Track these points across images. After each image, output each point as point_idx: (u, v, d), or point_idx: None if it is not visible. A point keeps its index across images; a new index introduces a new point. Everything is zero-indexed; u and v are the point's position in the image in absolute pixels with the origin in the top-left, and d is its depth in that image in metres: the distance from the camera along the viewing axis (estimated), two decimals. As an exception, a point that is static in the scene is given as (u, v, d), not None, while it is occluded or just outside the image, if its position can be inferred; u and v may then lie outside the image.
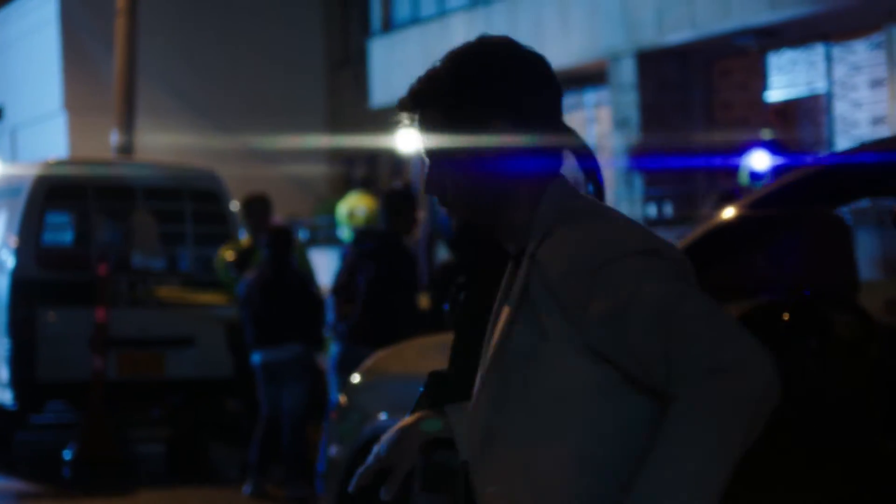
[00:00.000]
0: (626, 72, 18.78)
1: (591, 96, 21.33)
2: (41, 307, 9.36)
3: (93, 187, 9.69)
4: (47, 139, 26.25)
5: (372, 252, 7.42)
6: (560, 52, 19.70)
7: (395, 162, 25.08)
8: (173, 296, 9.71)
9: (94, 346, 9.35)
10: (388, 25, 24.47)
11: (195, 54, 26.49)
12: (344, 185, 27.32)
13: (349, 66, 27.69)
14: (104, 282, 9.36)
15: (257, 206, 9.09)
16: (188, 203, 9.92)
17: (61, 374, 9.41)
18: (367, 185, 14.87)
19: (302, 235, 21.32)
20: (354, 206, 14.30)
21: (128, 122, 14.46)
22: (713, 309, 2.00)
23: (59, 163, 9.91)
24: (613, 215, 2.16)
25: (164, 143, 21.00)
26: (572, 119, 19.73)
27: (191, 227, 9.91)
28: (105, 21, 24.89)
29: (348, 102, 27.10)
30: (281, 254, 8.23)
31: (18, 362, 9.27)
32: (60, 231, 10.36)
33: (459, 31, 22.14)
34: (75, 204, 9.92)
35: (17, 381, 9.30)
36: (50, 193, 9.56)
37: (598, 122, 21.28)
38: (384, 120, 25.16)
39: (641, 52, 18.49)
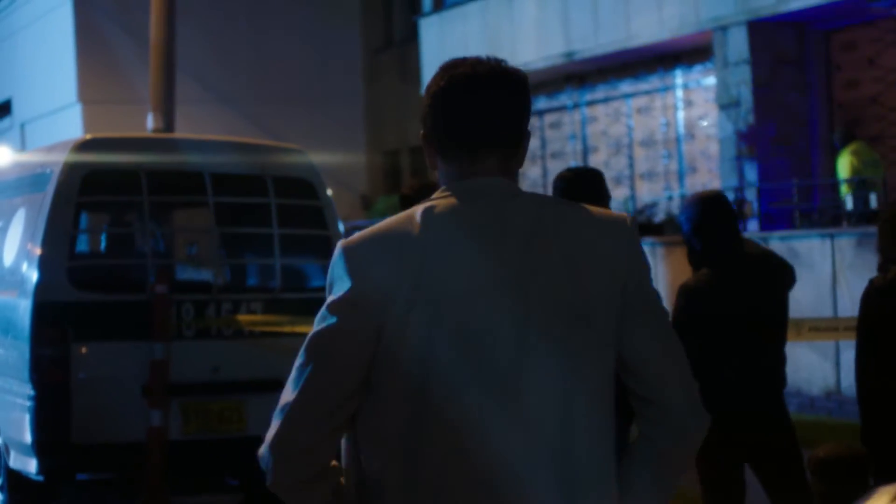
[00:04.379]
0: (736, 45, 16.15)
1: (680, 76, 18.69)
2: (76, 341, 6.77)
3: (145, 175, 7.04)
4: (61, 133, 23.78)
5: None
6: (652, 25, 17.13)
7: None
8: (256, 323, 7.09)
9: (151, 394, 6.78)
10: (442, 2, 21.91)
11: (225, 42, 24.45)
12: (385, 180, 24.98)
13: (391, 50, 25.27)
14: (163, 306, 6.77)
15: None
16: (273, 194, 7.28)
17: (105, 433, 6.81)
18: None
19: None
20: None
21: (167, 103, 11.91)
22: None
23: (98, 141, 7.18)
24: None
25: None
26: (656, 102, 17.13)
27: (277, 227, 7.27)
28: (122, 2, 23.19)
29: (390, 89, 24.64)
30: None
31: (46, 418, 6.69)
32: (101, 237, 7.68)
33: (529, 4, 19.54)
34: (121, 198, 7.27)
35: (45, 445, 6.71)
36: (86, 184, 6.93)
37: (689, 105, 18.64)
38: None
39: (754, 21, 15.89)
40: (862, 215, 11.82)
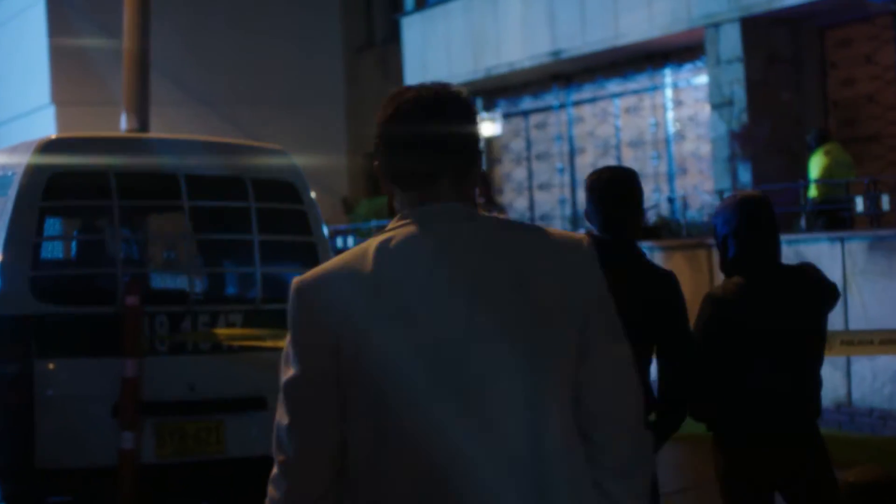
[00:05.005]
0: (729, 42, 15.71)
1: (670, 75, 18.27)
2: (40, 358, 6.24)
3: (115, 177, 6.51)
4: (34, 136, 23.21)
5: None
6: (641, 22, 16.71)
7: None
8: (235, 337, 6.58)
9: (122, 414, 6.27)
10: (424, 0, 21.46)
11: (202, 42, 24.02)
12: (366, 183, 24.52)
13: (372, 50, 24.82)
14: (134, 318, 6.26)
15: None
16: (253, 198, 6.77)
17: (72, 457, 6.28)
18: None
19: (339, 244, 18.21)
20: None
21: (141, 103, 11.41)
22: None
23: (63, 142, 6.65)
24: None
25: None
26: (645, 102, 16.73)
27: (257, 233, 6.75)
28: (96, 2, 22.66)
29: (371, 90, 24.18)
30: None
31: (7, 442, 6.18)
32: (67, 244, 7.15)
33: (514, 2, 19.09)
34: (89, 203, 6.75)
35: (7, 470, 6.21)
36: (50, 188, 6.40)
37: (679, 105, 18.21)
38: None
39: (747, 18, 15.48)
40: (875, 217, 11.40)
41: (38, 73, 23.93)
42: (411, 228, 2.37)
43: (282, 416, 2.36)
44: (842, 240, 9.81)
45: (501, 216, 10.50)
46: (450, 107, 2.42)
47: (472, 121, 2.46)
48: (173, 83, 22.68)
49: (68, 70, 23.23)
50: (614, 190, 4.36)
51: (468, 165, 2.44)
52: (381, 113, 2.44)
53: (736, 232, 4.45)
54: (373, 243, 2.37)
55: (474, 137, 2.46)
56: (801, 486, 4.51)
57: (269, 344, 6.40)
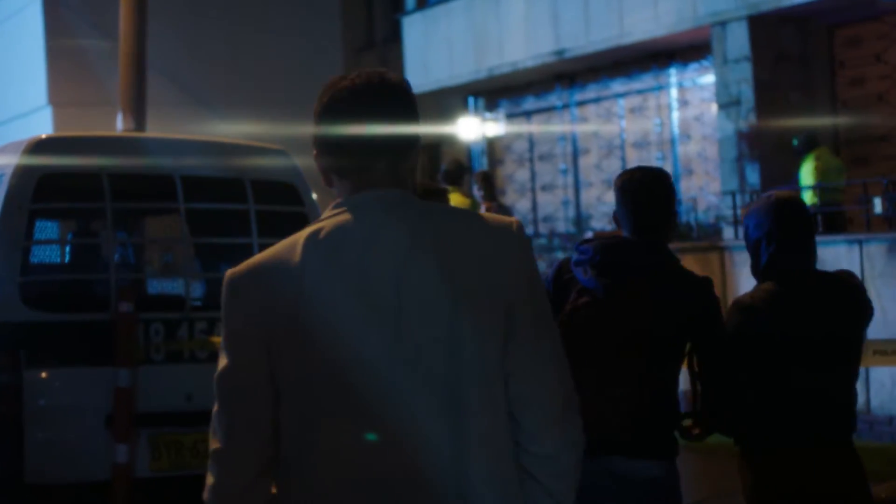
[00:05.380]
0: (737, 41, 15.44)
1: (675, 75, 18.01)
2: (30, 367, 5.96)
3: (108, 178, 6.22)
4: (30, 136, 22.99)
5: None
6: (646, 21, 16.45)
7: (432, 155, 21.82)
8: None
9: (116, 426, 5.99)
10: (425, 0, 21.21)
11: (201, 41, 23.64)
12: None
13: (374, 50, 24.58)
14: (128, 326, 5.98)
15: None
16: (252, 200, 6.49)
17: (63, 471, 6.00)
18: (453, 179, 11.45)
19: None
20: (438, 206, 10.93)
21: (137, 103, 11.15)
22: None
23: (54, 141, 6.36)
24: None
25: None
26: (650, 102, 16.49)
27: (257, 236, 6.48)
28: (93, 1, 22.43)
29: (373, 91, 23.84)
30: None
31: (-5, 455, 5.88)
32: (58, 248, 6.87)
33: (517, 1, 18.82)
34: (81, 205, 6.47)
35: (-6, 485, 5.90)
36: (41, 189, 6.12)
37: (685, 105, 17.94)
38: (421, 107, 22.49)
39: (755, 16, 15.21)
40: (893, 219, 11.13)
41: (35, 74, 23.67)
42: (342, 218, 2.38)
43: (215, 405, 2.42)
44: (860, 242, 9.55)
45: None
46: (384, 88, 2.43)
47: (408, 103, 2.45)
48: (171, 83, 22.44)
49: (65, 71, 22.94)
50: (647, 191, 4.13)
51: (404, 149, 2.45)
52: (318, 100, 2.46)
53: (770, 235, 4.18)
54: (303, 234, 2.39)
55: (411, 121, 2.45)
56: (835, 501, 4.25)
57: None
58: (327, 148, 2.45)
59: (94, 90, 21.91)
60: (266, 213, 6.57)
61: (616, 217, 4.24)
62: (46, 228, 6.61)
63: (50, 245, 6.74)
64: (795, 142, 13.71)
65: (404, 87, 2.47)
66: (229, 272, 2.43)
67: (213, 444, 2.42)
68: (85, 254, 6.76)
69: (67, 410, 6.03)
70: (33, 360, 5.95)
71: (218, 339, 6.27)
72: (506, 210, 12.33)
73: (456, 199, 11.05)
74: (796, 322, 4.11)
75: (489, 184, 12.29)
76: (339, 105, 2.43)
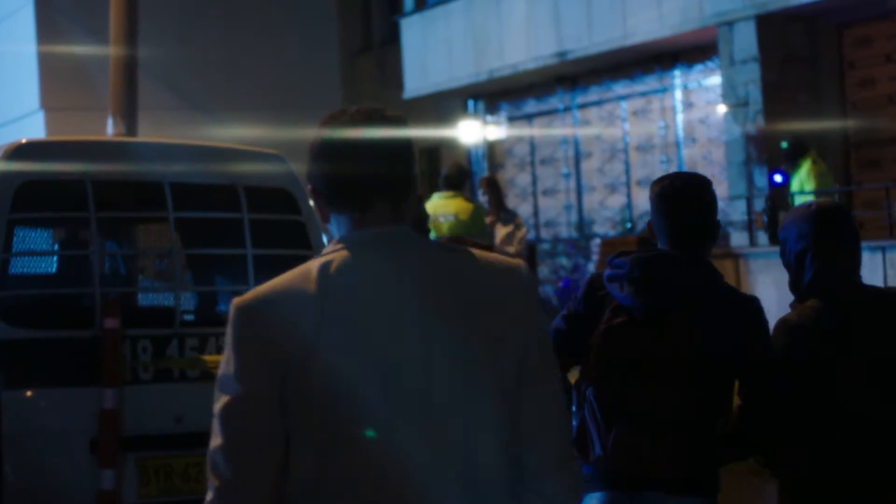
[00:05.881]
0: (744, 41, 15.09)
1: (679, 77, 17.66)
2: (8, 388, 5.58)
3: (93, 185, 5.83)
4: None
5: None
6: (650, 21, 16.11)
7: (430, 160, 21.48)
8: (227, 362, 5.90)
9: (101, 450, 5.60)
10: (424, 1, 20.85)
11: (196, 44, 23.29)
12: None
13: (371, 53, 24.25)
14: (113, 343, 5.60)
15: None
16: (246, 208, 6.11)
17: (45, 499, 5.61)
18: (455, 184, 11.07)
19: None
20: (439, 212, 10.62)
21: (129, 106, 10.80)
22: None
23: (35, 146, 5.96)
24: None
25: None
26: (653, 104, 16.18)
27: (251, 246, 6.09)
28: (85, 3, 22.07)
29: (370, 94, 23.62)
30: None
31: (-29, 482, 5.49)
32: (39, 260, 6.49)
33: (518, 1, 18.47)
34: (63, 214, 6.08)
35: (-30, 514, 5.52)
36: (20, 198, 5.73)
37: (689, 107, 17.60)
38: (420, 110, 22.30)
39: (762, 16, 14.87)
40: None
41: (27, 78, 23.38)
42: (350, 253, 2.37)
43: (217, 439, 2.35)
44: (883, 249, 9.19)
45: (508, 228, 9.76)
46: (383, 128, 2.42)
47: (408, 141, 2.46)
48: (165, 87, 22.14)
49: (58, 75, 22.68)
50: (688, 199, 3.76)
51: (405, 187, 2.44)
52: (316, 136, 2.44)
53: (814, 248, 3.79)
54: (313, 264, 2.37)
55: (411, 159, 2.46)
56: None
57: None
58: (327, 184, 2.42)
59: (87, 95, 21.56)
60: (261, 221, 6.18)
61: (651, 227, 3.86)
62: (27, 239, 6.22)
63: (30, 257, 6.34)
64: (784, 144, 13.38)
65: (403, 124, 2.47)
66: (238, 300, 2.38)
67: (216, 481, 2.35)
68: (68, 266, 6.37)
69: (49, 434, 5.65)
70: (12, 380, 5.58)
71: (211, 358, 5.89)
72: (514, 216, 11.97)
73: (458, 205, 10.68)
74: (852, 341, 3.72)
75: (495, 190, 11.93)
76: (340, 141, 2.40)
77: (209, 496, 2.37)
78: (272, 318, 2.33)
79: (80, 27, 22.04)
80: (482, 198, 11.89)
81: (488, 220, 11.35)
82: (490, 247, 10.52)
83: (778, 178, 13.68)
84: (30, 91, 23.31)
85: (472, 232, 10.39)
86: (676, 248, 3.76)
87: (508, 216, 11.75)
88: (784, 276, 3.91)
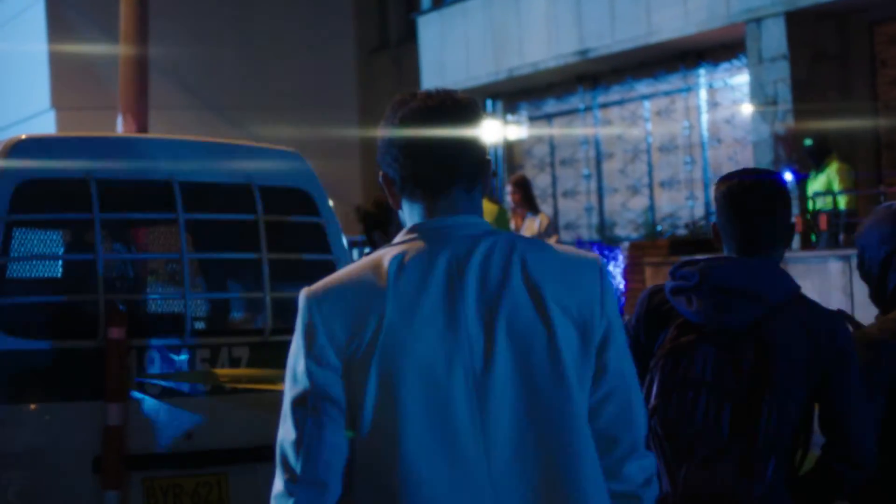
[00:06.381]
0: (773, 38, 14.66)
1: (704, 75, 17.25)
2: (7, 403, 5.22)
3: (97, 184, 5.43)
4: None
5: None
6: (676, 18, 15.70)
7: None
8: (241, 376, 5.52)
9: (105, 470, 5.22)
10: (441, -2, 20.51)
11: (209, 43, 23.03)
12: (381, 190, 23.68)
13: (387, 51, 23.93)
14: (118, 355, 5.21)
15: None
16: (261, 209, 5.71)
17: (45, 522, 5.22)
18: (480, 185, 10.62)
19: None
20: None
21: (139, 104, 10.44)
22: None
23: (36, 143, 5.56)
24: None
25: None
26: (677, 104, 15.81)
27: (266, 250, 5.69)
28: (95, 5, 21.80)
29: (386, 93, 23.27)
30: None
31: (-34, 504, 5.13)
32: (40, 264, 6.08)
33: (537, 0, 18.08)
34: (65, 216, 5.68)
35: (-35, 539, 5.14)
36: (19, 198, 5.35)
37: (715, 107, 17.19)
38: None
39: (792, 12, 14.44)
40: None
41: (38, 77, 23.21)
42: (424, 243, 2.33)
43: (288, 432, 2.32)
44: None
45: (545, 222, 9.33)
46: (458, 112, 2.38)
47: (480, 128, 2.42)
48: (178, 86, 21.90)
49: (69, 74, 22.57)
50: (760, 200, 3.31)
51: (478, 174, 2.39)
52: (387, 120, 2.41)
53: None
54: (385, 256, 2.33)
55: (483, 145, 2.42)
56: None
57: (280, 387, 5.32)
58: (399, 171, 2.38)
59: (98, 93, 21.33)
60: (277, 223, 5.78)
61: (716, 230, 3.43)
62: (27, 242, 5.83)
63: (31, 261, 5.95)
64: (809, 142, 12.95)
65: (477, 109, 2.42)
66: (307, 290, 2.36)
67: (286, 474, 2.31)
68: (72, 271, 5.96)
69: (49, 452, 5.27)
70: (10, 394, 5.21)
71: (223, 371, 5.51)
72: (548, 218, 11.54)
73: (485, 207, 10.22)
74: None
75: (526, 189, 11.48)
76: (416, 124, 2.36)
77: (277, 486, 2.33)
78: (341, 308, 2.29)
79: (91, 25, 21.81)
80: (510, 198, 11.45)
81: (513, 222, 10.93)
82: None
83: (788, 176, 13.19)
84: (41, 90, 23.14)
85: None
86: (745, 254, 3.34)
87: (543, 219, 11.32)
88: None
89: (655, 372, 3.28)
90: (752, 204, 3.29)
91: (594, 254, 2.44)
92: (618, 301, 2.56)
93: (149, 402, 5.38)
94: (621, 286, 13.40)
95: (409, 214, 2.40)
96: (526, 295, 2.30)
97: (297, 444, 2.30)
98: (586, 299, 2.34)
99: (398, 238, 2.37)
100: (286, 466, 2.31)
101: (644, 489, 2.39)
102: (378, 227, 4.98)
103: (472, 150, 2.38)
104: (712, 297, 3.24)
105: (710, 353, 3.24)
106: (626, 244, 14.33)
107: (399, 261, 2.30)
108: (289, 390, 2.34)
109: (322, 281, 2.36)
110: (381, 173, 2.42)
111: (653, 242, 14.46)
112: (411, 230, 2.37)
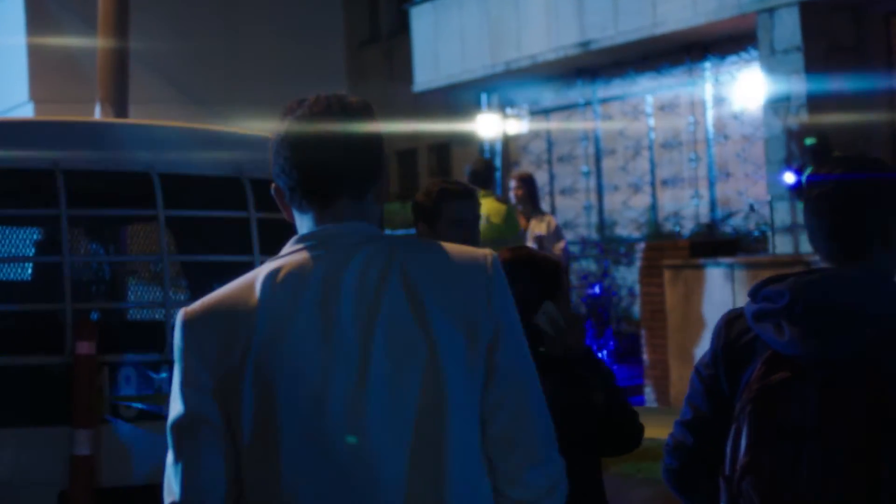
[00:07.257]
0: (786, 30, 14.04)
1: (710, 69, 16.64)
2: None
3: (64, 176, 4.71)
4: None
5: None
6: (683, 8, 15.09)
7: (441, 156, 20.54)
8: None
9: (73, 501, 4.54)
10: (435, -12, 19.90)
11: (194, 34, 22.42)
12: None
13: (379, 43, 23.43)
14: (86, 372, 4.51)
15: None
16: (253, 204, 5.01)
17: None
18: (483, 180, 9.96)
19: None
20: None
21: (118, 95, 9.85)
22: None
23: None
24: None
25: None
26: (682, 99, 15.10)
27: (258, 251, 5.00)
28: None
29: (377, 87, 22.74)
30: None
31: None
32: (4, 268, 5.39)
33: (538, -12, 17.46)
34: (29, 212, 4.98)
35: None
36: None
37: (721, 102, 16.58)
38: (430, 105, 21.36)
39: (806, 3, 13.84)
40: None
41: (16, 69, 22.82)
42: (304, 255, 2.30)
43: (169, 456, 2.30)
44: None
45: (541, 225, 8.63)
46: (345, 119, 2.33)
47: (373, 129, 2.36)
48: (161, 80, 21.44)
49: (48, 66, 22.20)
50: (861, 201, 2.68)
51: (368, 181, 2.35)
52: (276, 129, 2.37)
53: None
54: (262, 270, 2.33)
55: (377, 148, 2.36)
56: None
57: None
58: (286, 181, 2.34)
59: (78, 86, 20.81)
60: (270, 221, 5.10)
61: (811, 235, 2.75)
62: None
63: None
64: (810, 141, 12.37)
65: (367, 110, 2.37)
66: (184, 310, 2.33)
67: (169, 499, 2.28)
68: (34, 276, 5.27)
69: (10, 484, 4.59)
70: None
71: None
72: (555, 221, 10.90)
73: (489, 206, 9.52)
74: None
75: (531, 187, 10.82)
76: (298, 135, 2.32)
77: None
78: (212, 329, 2.27)
79: (70, 17, 21.33)
80: (511, 194, 10.79)
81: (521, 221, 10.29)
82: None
83: (790, 176, 12.55)
84: (19, 82, 22.67)
85: (506, 237, 9.19)
86: (844, 265, 2.67)
87: (545, 219, 10.68)
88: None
89: (743, 421, 2.60)
90: (854, 206, 2.62)
91: (485, 251, 2.38)
92: (513, 304, 2.39)
93: (123, 428, 4.70)
94: (636, 291, 12.73)
95: (300, 226, 2.37)
96: (404, 301, 2.25)
97: (175, 468, 2.27)
98: (471, 299, 2.29)
99: (283, 250, 2.35)
100: (169, 490, 2.28)
101: (548, 497, 2.32)
102: (424, 219, 4.47)
103: (361, 155, 2.33)
104: (808, 320, 2.57)
105: (810, 393, 2.57)
106: (641, 245, 13.66)
107: (274, 276, 2.28)
108: (169, 414, 2.30)
109: (199, 300, 2.33)
110: (272, 185, 2.38)
111: (673, 243, 13.74)
112: (296, 241, 2.34)
